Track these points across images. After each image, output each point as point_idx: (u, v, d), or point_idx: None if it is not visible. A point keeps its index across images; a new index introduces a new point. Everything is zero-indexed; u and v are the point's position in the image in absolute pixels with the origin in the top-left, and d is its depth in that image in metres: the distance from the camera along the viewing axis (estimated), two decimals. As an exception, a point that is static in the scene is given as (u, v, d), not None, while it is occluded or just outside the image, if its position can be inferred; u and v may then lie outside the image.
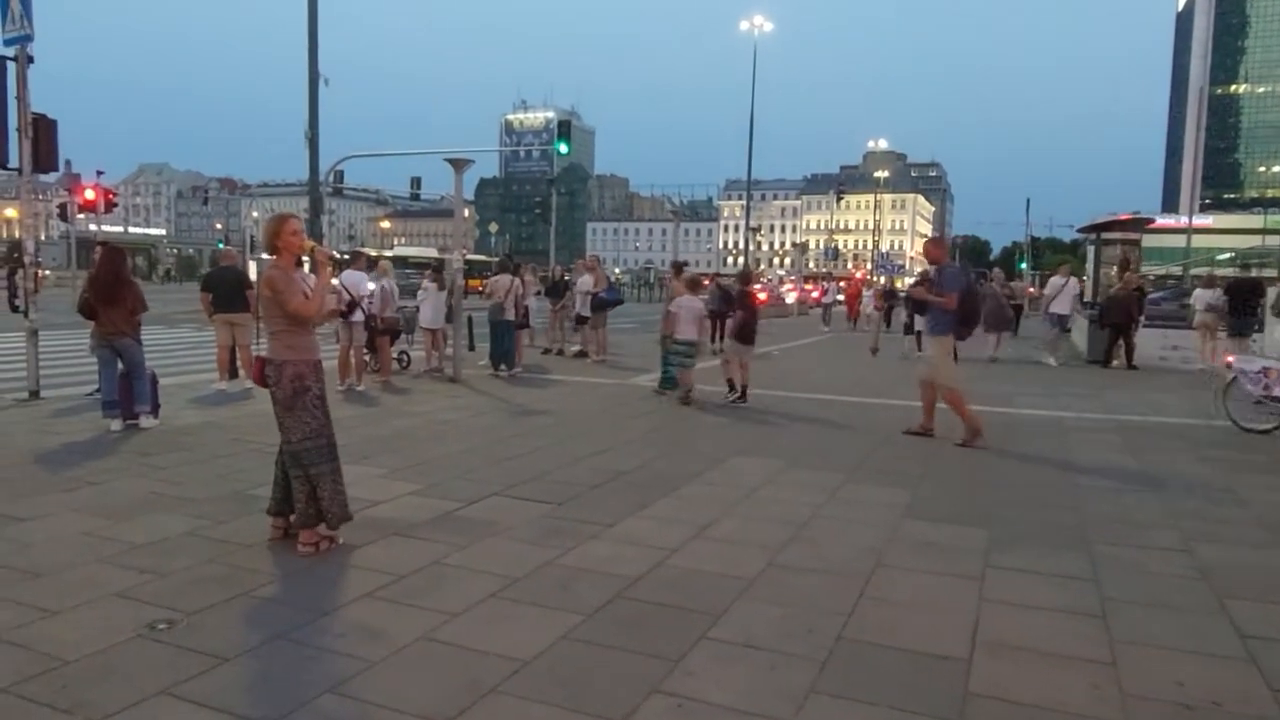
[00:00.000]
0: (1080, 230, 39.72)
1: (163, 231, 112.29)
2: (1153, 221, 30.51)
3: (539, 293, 16.71)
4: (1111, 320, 15.67)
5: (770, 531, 5.06)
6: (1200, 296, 16.95)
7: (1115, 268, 22.51)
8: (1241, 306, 15.11)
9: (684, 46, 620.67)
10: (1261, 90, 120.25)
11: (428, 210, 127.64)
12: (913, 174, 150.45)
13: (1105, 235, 23.16)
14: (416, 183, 40.46)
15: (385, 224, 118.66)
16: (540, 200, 38.93)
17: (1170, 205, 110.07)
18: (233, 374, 10.55)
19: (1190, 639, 3.65)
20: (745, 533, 5.05)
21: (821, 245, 76.04)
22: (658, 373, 11.34)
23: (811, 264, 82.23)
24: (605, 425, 8.65)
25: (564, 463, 6.75)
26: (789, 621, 3.73)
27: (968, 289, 8.07)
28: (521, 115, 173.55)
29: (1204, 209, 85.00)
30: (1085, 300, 21.05)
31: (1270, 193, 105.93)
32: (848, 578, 4.30)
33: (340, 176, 35.27)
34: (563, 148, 26.87)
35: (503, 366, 12.39)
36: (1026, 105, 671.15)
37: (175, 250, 78.74)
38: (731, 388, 10.31)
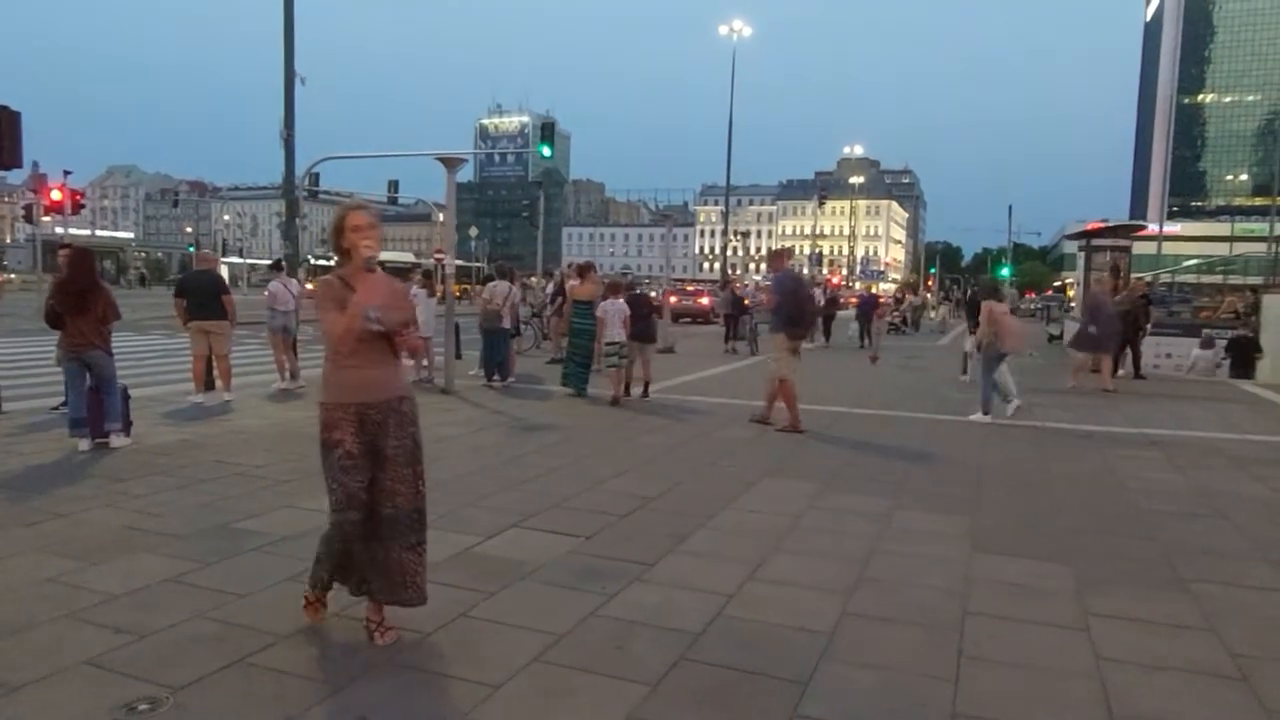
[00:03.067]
0: (1069, 236, 39.80)
1: (131, 235, 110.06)
2: (1144, 228, 30.57)
3: (548, 299, 16.45)
4: (1119, 329, 15.31)
5: (831, 571, 4.51)
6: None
7: (1106, 274, 22.45)
8: None
9: (660, 51, 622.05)
10: (1228, 100, 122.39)
11: (403, 215, 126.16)
12: (886, 180, 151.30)
13: (1095, 242, 23.08)
14: (394, 186, 39.53)
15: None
16: (528, 203, 38.25)
17: (1138, 212, 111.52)
18: (209, 385, 9.84)
19: (1353, 706, 3.15)
20: (803, 573, 4.50)
21: (805, 251, 75.82)
22: (658, 383, 10.83)
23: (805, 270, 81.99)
24: (617, 441, 8.07)
25: (583, 487, 6.16)
26: (890, 692, 3.19)
27: (790, 293, 9.09)
28: (496, 120, 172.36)
29: (1171, 216, 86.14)
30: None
31: (1236, 201, 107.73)
32: (936, 630, 3.76)
33: (316, 179, 34.39)
34: (545, 150, 26.25)
35: (496, 377, 11.77)
36: (995, 113, 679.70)
37: (144, 254, 76.94)
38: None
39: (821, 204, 69.12)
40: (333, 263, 3.68)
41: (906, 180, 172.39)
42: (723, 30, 42.43)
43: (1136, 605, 4.10)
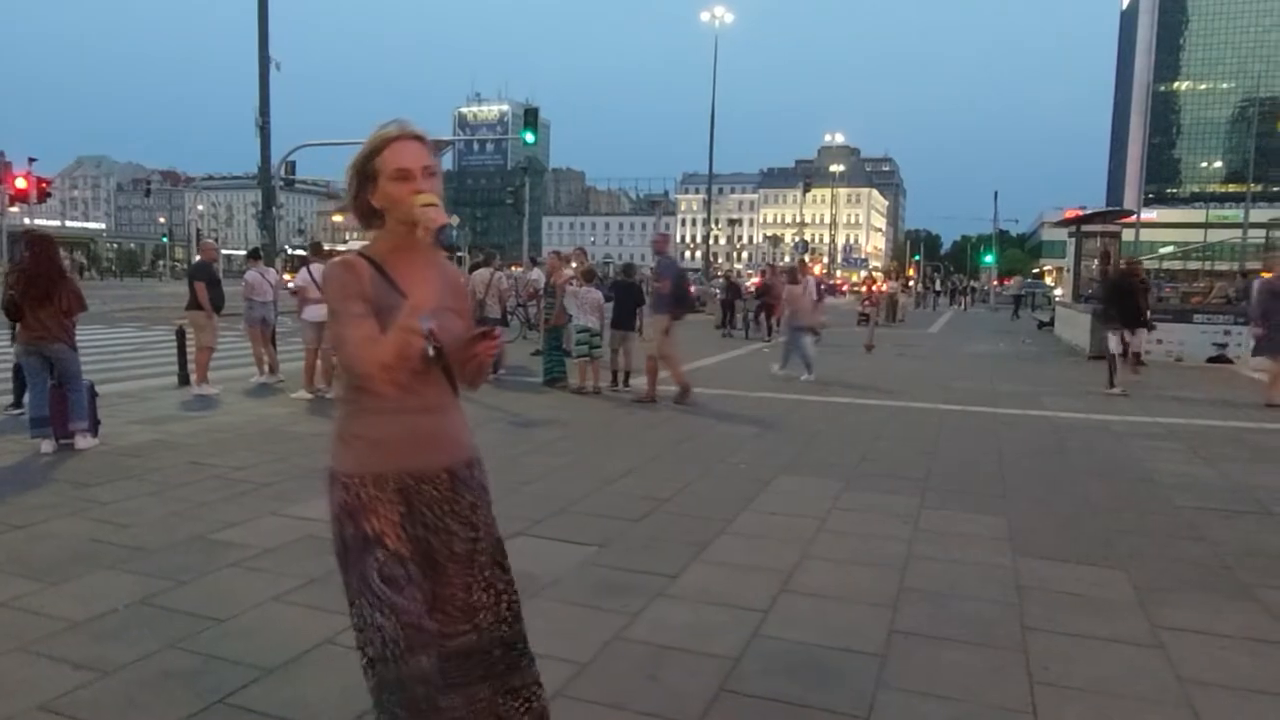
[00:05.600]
0: (1054, 224, 39.85)
1: (102, 226, 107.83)
2: (1131, 214, 30.55)
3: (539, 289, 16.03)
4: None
5: (870, 580, 4.14)
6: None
7: (1096, 261, 22.31)
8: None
9: (641, 40, 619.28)
10: (1202, 88, 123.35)
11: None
12: (867, 168, 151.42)
13: (1086, 228, 22.93)
14: (373, 174, 38.69)
15: (338, 218, 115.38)
16: (511, 191, 37.58)
17: (1114, 199, 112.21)
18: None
19: None
20: (838, 583, 4.12)
21: (792, 239, 75.54)
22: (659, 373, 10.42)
23: (786, 258, 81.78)
24: (621, 437, 7.68)
25: (590, 488, 5.75)
26: (966, 727, 2.82)
27: (680, 276, 9.96)
28: (475, 108, 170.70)
29: (1147, 203, 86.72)
30: (1081, 294, 20.69)
31: (1210, 188, 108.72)
32: (1000, 650, 3.39)
33: (292, 168, 33.51)
34: (529, 136, 25.64)
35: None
36: (973, 103, 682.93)
37: (115, 245, 75.34)
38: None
39: (806, 190, 68.85)
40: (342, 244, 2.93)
41: (887, 168, 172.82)
42: (705, 17, 41.95)
43: (1209, 619, 3.74)
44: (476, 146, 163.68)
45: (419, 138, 1.95)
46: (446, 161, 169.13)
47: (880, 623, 3.63)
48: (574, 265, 12.15)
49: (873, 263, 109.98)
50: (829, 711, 2.89)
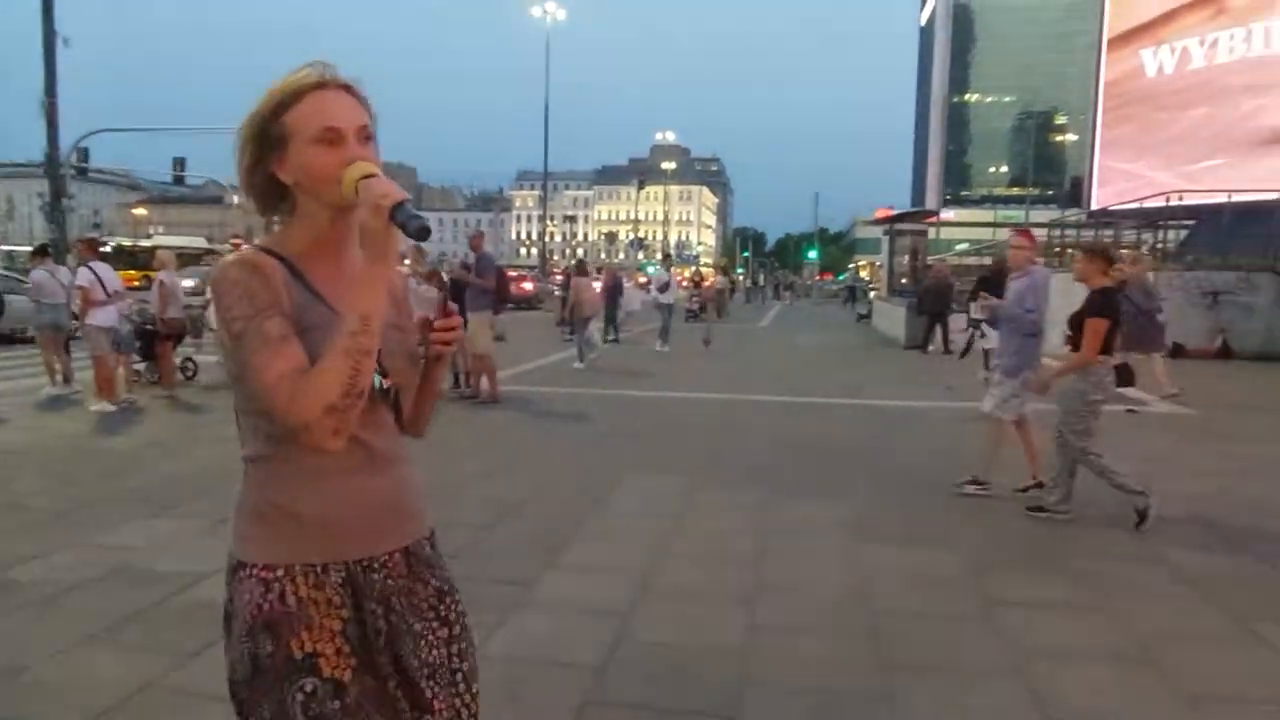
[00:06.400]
0: (869, 222, 42.58)
1: None
2: (935, 214, 33.20)
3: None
4: (930, 308, 16.29)
5: (727, 576, 4.20)
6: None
7: (906, 256, 24.02)
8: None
9: (472, 34, 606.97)
10: (989, 100, 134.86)
11: (190, 196, 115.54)
12: (696, 167, 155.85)
13: (898, 227, 24.63)
14: (180, 164, 35.79)
15: (140, 211, 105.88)
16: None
17: (918, 200, 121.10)
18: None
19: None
20: (699, 581, 4.15)
21: (626, 236, 76.34)
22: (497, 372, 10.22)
23: (622, 255, 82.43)
24: (464, 441, 7.43)
25: (433, 492, 5.49)
26: (832, 718, 2.89)
27: (501, 273, 10.23)
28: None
29: (945, 204, 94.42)
30: (895, 289, 22.16)
31: (996, 191, 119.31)
32: (853, 638, 3.52)
33: (85, 155, 30.35)
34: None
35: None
36: (794, 105, 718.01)
37: None
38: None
39: (641, 188, 69.91)
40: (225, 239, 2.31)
41: (715, 168, 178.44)
42: (535, 13, 41.62)
43: (1043, 595, 4.05)
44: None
45: (348, 88, 1.40)
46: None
47: (740, 619, 3.68)
48: (408, 263, 11.71)
49: (703, 260, 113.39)
50: (699, 714, 2.88)
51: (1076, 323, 5.03)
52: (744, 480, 6.10)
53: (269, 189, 1.42)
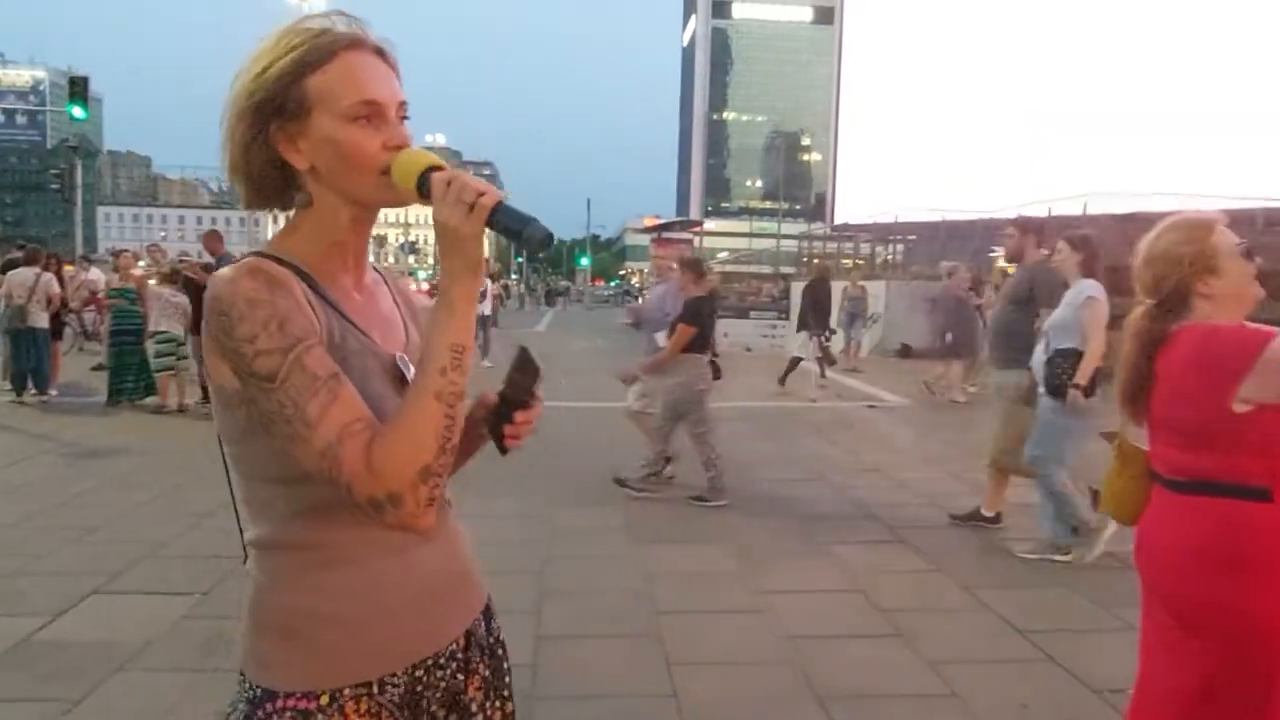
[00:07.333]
0: (637, 230, 44.12)
1: None
2: (700, 224, 35.04)
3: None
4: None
5: (512, 588, 4.08)
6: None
7: (676, 264, 25.13)
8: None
9: (231, 11, 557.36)
10: (745, 119, 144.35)
11: None
12: (470, 172, 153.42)
13: (665, 235, 25.70)
14: None
15: None
16: (58, 175, 31.12)
17: (682, 210, 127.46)
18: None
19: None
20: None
21: (396, 240, 73.39)
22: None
23: (391, 259, 79.11)
24: (216, 463, 6.73)
25: (182, 526, 4.96)
26: (617, 721, 2.91)
27: None
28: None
29: (707, 215, 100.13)
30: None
31: (752, 204, 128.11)
32: (638, 638, 3.58)
33: None
34: (78, 110, 21.62)
35: (31, 389, 9.27)
36: (567, 115, 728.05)
37: None
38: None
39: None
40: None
41: (488, 172, 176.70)
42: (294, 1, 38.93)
43: (796, 577, 4.35)
44: (2, 118, 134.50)
45: (381, 52, 1.10)
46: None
47: (527, 630, 3.61)
48: (143, 264, 10.56)
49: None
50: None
51: (673, 326, 5.80)
52: (523, 489, 6.03)
53: (269, 174, 1.09)
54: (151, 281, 9.35)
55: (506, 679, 1.27)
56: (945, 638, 3.65)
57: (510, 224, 0.99)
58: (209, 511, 5.24)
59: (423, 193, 1.02)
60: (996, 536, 5.08)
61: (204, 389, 9.25)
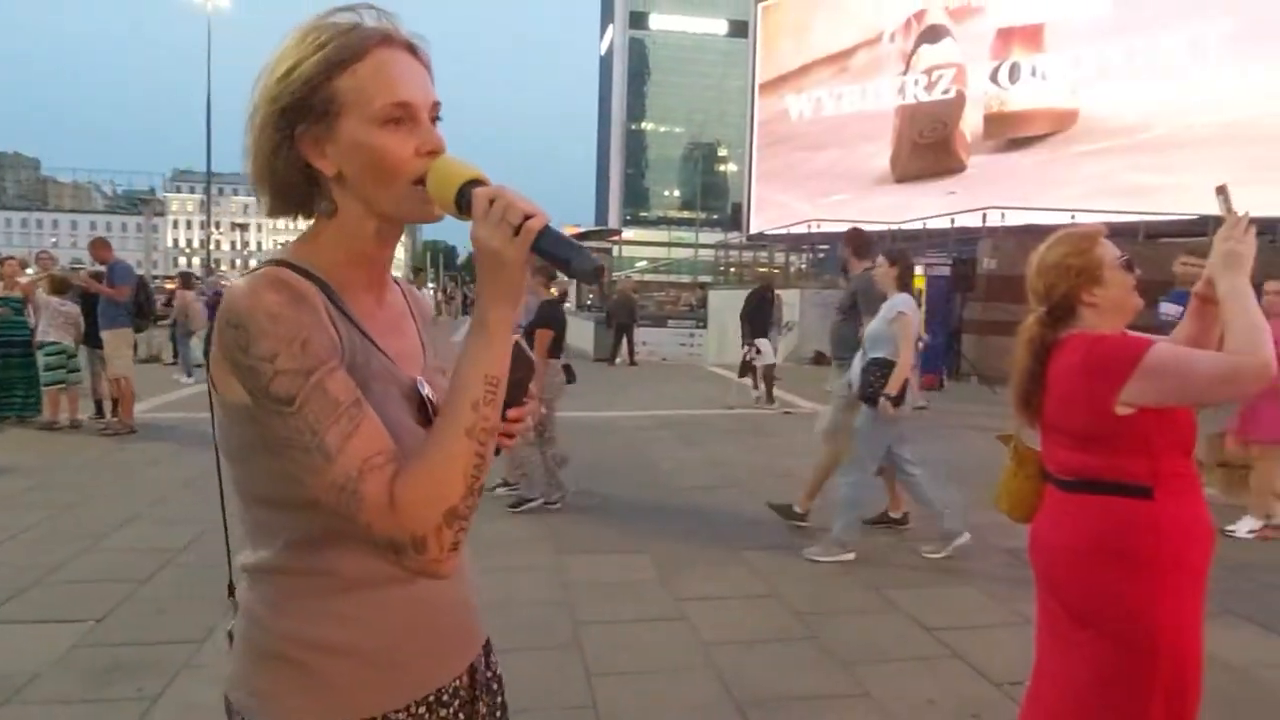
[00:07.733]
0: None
1: None
2: (619, 233, 35.13)
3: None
4: (618, 321, 17.16)
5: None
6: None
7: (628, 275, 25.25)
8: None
9: (119, 12, 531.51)
10: (662, 129, 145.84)
11: None
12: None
13: (585, 244, 25.78)
14: None
15: None
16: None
17: (601, 219, 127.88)
18: None
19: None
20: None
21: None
22: (149, 399, 9.01)
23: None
24: (112, 480, 6.42)
25: (76, 549, 4.69)
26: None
27: (140, 283, 9.00)
28: None
29: (626, 224, 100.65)
30: (584, 304, 23.02)
31: (670, 213, 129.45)
32: (559, 650, 3.56)
33: None
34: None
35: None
36: (481, 110, 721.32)
37: None
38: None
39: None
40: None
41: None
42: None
43: (712, 583, 4.40)
44: None
45: (413, 49, 1.03)
46: None
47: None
48: (30, 271, 9.98)
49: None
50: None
51: (530, 331, 5.72)
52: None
53: (295, 181, 1.01)
54: (39, 290, 8.84)
55: (506, 710, 1.24)
56: (856, 638, 3.75)
57: (557, 252, 0.93)
58: (104, 533, 5.01)
59: (461, 208, 0.96)
60: (904, 537, 5.26)
61: (97, 403, 8.82)
